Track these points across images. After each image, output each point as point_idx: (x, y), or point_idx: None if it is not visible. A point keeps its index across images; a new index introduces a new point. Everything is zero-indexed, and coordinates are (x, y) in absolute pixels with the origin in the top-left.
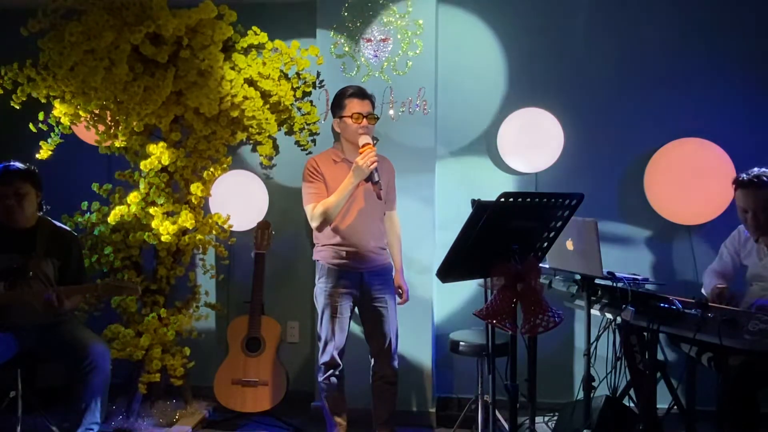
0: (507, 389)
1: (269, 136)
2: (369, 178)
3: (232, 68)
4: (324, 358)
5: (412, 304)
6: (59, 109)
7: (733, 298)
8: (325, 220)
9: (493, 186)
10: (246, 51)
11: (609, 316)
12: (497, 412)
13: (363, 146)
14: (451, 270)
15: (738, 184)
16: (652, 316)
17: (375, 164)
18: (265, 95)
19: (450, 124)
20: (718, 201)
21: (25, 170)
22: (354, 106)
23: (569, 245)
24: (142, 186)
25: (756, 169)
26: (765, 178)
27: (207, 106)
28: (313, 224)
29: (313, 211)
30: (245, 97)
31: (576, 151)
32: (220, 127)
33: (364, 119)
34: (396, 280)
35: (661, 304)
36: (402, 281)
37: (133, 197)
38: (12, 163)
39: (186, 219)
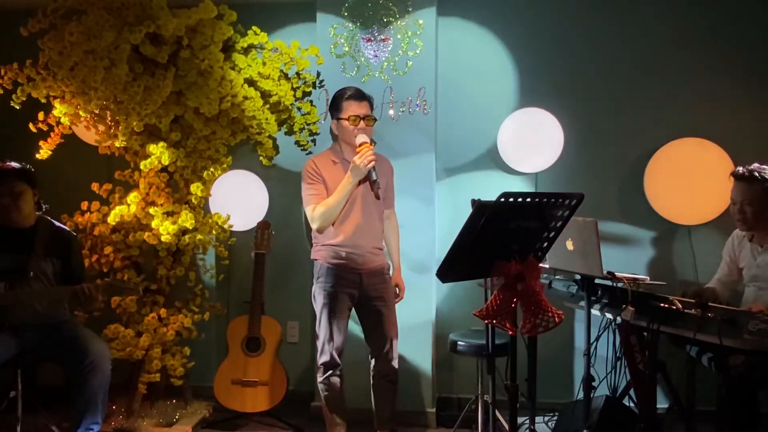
0: (507, 389)
1: (269, 136)
2: (367, 178)
3: (232, 68)
4: (323, 359)
5: (412, 304)
6: (59, 109)
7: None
8: (326, 221)
9: (493, 186)
10: (246, 51)
11: (609, 316)
12: (497, 412)
13: (360, 145)
14: (451, 270)
15: (734, 175)
16: (652, 316)
17: (373, 163)
18: (265, 95)
19: (450, 124)
20: (718, 201)
21: (20, 169)
22: (351, 108)
23: (569, 245)
24: (142, 186)
25: (756, 164)
26: (758, 175)
27: (207, 106)
28: (314, 225)
29: (313, 212)
30: (245, 97)
31: (576, 151)
32: (220, 127)
33: (362, 121)
34: (394, 279)
35: (661, 304)
36: (400, 280)
37: (133, 197)
38: (6, 163)
39: (186, 219)
